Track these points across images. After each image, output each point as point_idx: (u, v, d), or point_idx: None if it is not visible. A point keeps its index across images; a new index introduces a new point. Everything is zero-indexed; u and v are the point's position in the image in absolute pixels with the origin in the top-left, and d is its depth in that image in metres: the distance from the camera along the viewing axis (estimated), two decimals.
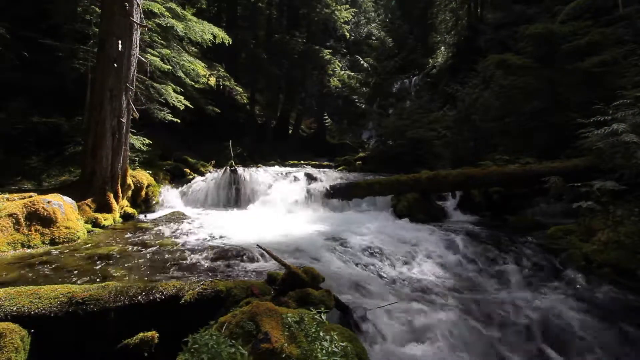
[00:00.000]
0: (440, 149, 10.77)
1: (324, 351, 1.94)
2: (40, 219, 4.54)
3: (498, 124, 8.69)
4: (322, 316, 2.21)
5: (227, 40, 8.40)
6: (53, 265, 3.73)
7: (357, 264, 4.31)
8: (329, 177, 8.85)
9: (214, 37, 8.20)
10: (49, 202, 4.71)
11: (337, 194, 7.64)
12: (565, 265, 4.18)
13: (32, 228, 4.45)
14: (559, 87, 7.58)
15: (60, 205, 4.83)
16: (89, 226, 5.32)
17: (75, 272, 3.58)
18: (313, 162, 13.08)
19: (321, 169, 10.54)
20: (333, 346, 1.99)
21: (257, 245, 3.74)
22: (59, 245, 4.49)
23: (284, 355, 1.89)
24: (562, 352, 2.77)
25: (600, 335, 2.94)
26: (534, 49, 7.93)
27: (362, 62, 17.73)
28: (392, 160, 11.27)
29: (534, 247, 4.75)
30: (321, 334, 2.07)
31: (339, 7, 16.19)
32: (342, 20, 16.39)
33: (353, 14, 17.81)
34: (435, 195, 7.40)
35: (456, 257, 4.62)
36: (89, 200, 5.62)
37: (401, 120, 12.13)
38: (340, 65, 17.44)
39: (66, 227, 4.71)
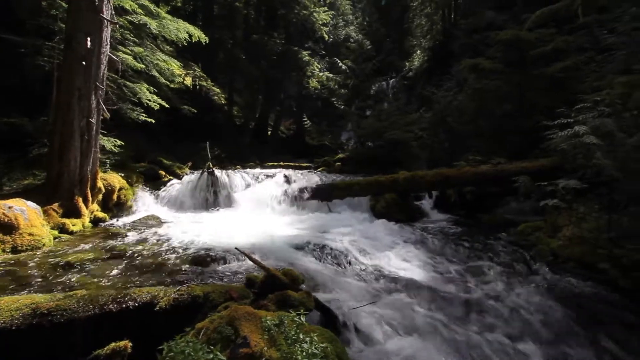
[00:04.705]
0: (417, 150, 11.03)
1: (304, 353, 1.94)
2: (0, 226, 4.25)
3: (472, 125, 8.99)
4: (302, 318, 2.21)
5: (204, 39, 8.21)
6: (15, 275, 3.50)
7: (336, 265, 4.33)
8: (308, 179, 8.84)
9: (190, 35, 8.00)
10: (10, 207, 4.43)
11: (317, 196, 7.67)
12: (535, 260, 4.41)
13: None
14: (527, 91, 7.95)
15: (23, 210, 4.55)
16: (56, 232, 5.04)
17: (40, 281, 3.38)
18: (292, 164, 13.01)
19: (300, 171, 10.51)
20: (313, 348, 1.99)
21: (236, 248, 3.68)
22: (22, 254, 4.22)
23: (263, 359, 1.87)
24: (534, 341, 2.90)
25: (567, 324, 3.11)
26: (504, 54, 8.29)
27: (340, 64, 17.87)
28: (370, 161, 11.43)
29: (505, 243, 4.97)
30: (301, 336, 2.06)
31: (317, 9, 16.23)
32: (320, 22, 16.44)
33: (331, 16, 17.90)
34: (412, 196, 7.57)
35: (433, 255, 4.75)
36: (55, 205, 5.32)
37: (379, 122, 12.33)
38: (319, 67, 17.47)
39: (30, 234, 4.44)
